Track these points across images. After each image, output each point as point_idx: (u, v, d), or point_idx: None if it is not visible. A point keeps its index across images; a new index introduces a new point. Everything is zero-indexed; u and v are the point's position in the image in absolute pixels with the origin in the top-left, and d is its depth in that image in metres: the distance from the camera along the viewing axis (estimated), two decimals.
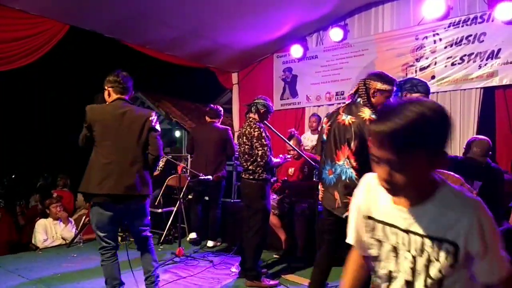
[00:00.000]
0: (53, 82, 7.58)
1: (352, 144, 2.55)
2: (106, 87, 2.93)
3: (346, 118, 2.63)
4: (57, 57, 6.09)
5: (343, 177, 2.60)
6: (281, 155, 3.99)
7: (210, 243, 4.96)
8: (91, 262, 4.17)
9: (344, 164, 2.59)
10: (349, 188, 2.55)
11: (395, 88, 2.67)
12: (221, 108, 5.18)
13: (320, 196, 2.82)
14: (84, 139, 2.85)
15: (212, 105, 5.24)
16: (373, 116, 2.50)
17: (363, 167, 2.53)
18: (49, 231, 5.14)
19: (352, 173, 2.56)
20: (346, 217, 2.56)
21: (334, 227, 2.74)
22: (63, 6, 4.57)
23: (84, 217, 5.06)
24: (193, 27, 5.50)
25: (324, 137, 2.79)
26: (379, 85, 2.57)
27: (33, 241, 5.06)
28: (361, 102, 2.61)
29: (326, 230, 2.84)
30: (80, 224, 5.18)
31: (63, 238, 5.14)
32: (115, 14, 4.84)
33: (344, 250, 2.70)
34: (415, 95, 2.74)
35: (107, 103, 2.94)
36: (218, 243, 5.08)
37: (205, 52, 6.28)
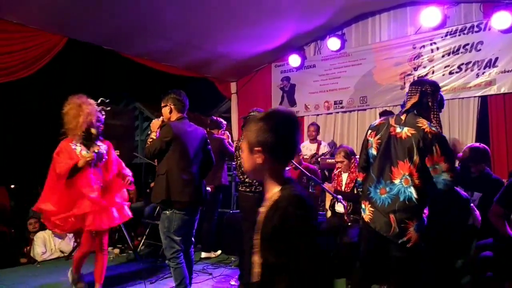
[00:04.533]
0: (53, 93, 7.60)
1: (414, 159, 2.29)
2: (168, 104, 3.17)
3: (403, 130, 2.37)
4: (57, 69, 6.12)
5: (401, 198, 2.31)
6: None
7: (203, 254, 4.95)
8: (88, 276, 4.13)
9: (402, 183, 2.32)
10: (408, 210, 2.30)
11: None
12: (221, 120, 5.22)
13: (368, 216, 2.46)
14: (158, 152, 3.04)
15: (213, 117, 5.33)
16: (433, 129, 2.31)
17: (425, 185, 2.31)
18: (47, 243, 5.11)
19: (411, 192, 2.29)
20: (402, 242, 2.31)
21: (378, 252, 2.47)
22: (62, 19, 4.59)
23: None
24: (190, 38, 5.52)
25: (374, 152, 2.50)
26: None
27: (31, 254, 5.03)
28: (415, 112, 2.39)
29: (366, 253, 2.54)
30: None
31: (61, 251, 5.11)
32: (114, 26, 4.87)
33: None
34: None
35: (167, 119, 3.19)
36: (213, 255, 5.04)
37: (202, 62, 6.30)
